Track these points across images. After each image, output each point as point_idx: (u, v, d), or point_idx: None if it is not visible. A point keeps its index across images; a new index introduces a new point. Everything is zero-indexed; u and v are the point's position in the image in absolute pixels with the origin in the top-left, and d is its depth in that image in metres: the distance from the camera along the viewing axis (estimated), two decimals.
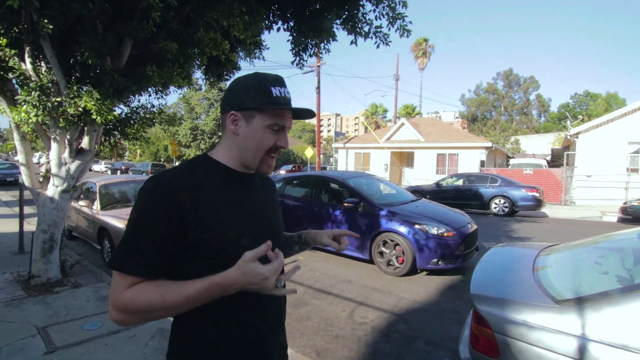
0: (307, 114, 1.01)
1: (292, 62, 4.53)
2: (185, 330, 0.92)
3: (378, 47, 4.10)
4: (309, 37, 3.97)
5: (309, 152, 21.16)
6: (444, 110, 60.13)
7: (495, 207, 11.31)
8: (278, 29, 4.25)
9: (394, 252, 4.99)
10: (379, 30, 3.97)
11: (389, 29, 3.93)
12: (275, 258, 0.84)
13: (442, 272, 5.02)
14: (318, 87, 14.94)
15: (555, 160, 22.30)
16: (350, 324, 3.56)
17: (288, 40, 4.33)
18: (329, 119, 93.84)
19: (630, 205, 10.05)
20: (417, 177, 20.36)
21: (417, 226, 4.83)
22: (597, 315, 1.69)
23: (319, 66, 14.26)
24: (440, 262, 4.76)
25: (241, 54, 5.27)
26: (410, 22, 3.92)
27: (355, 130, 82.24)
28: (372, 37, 3.98)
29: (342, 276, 4.98)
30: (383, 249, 5.11)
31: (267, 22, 4.21)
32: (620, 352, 1.57)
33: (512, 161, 21.73)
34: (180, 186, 0.87)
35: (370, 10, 3.98)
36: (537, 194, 10.92)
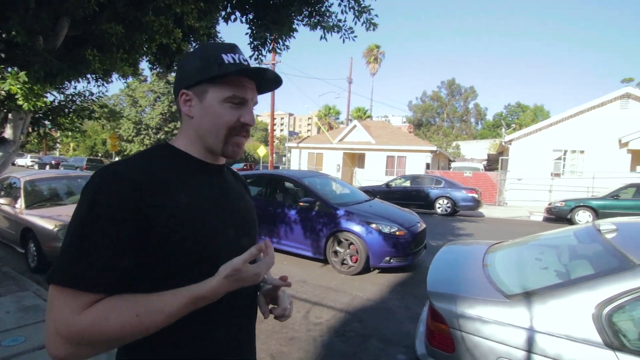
0: (271, 80, 0.87)
1: (250, 57, 4.37)
2: (139, 349, 0.75)
3: (344, 41, 4.07)
4: (271, 30, 3.84)
5: (261, 151, 20.79)
6: (393, 114, 62.74)
7: (439, 207, 11.99)
8: (235, 20, 4.07)
9: (348, 251, 5.04)
10: (342, 23, 3.93)
11: (355, 23, 3.90)
12: (266, 251, 0.78)
13: (392, 270, 5.17)
14: None
15: (491, 164, 24.29)
16: (305, 325, 3.51)
17: (246, 34, 4.17)
18: (282, 119, 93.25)
19: (554, 206, 11.23)
20: (367, 177, 20.93)
21: (371, 225, 4.93)
22: (543, 308, 1.82)
23: (274, 64, 14.01)
24: (392, 260, 4.90)
25: (193, 44, 4.99)
26: (377, 16, 3.89)
27: (308, 130, 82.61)
28: (337, 32, 3.95)
29: (297, 276, 4.92)
30: (338, 248, 5.14)
31: (224, 12, 4.01)
32: (564, 341, 1.70)
33: (453, 164, 23.28)
34: (142, 176, 0.73)
35: (334, 3, 3.90)
36: (476, 195, 11.77)
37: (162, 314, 0.67)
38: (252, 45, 4.33)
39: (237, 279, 0.72)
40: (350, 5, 3.79)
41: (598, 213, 10.14)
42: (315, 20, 3.84)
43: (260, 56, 4.42)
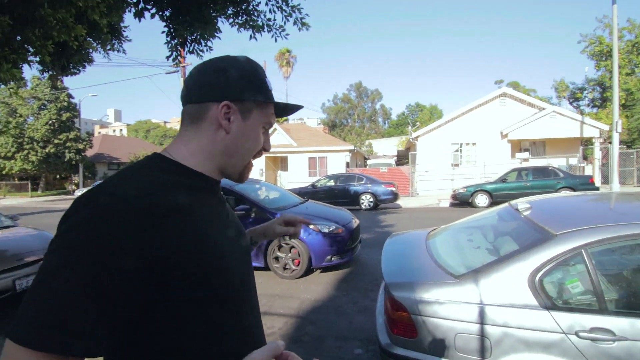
0: (293, 109, 0.90)
1: (168, 57, 4.02)
2: None
3: (276, 40, 3.97)
4: (193, 29, 3.57)
5: None
6: (308, 117, 64.22)
7: (363, 203, 12.66)
8: (153, 16, 3.69)
9: (289, 255, 5.00)
10: (272, 22, 3.83)
11: (285, 23, 3.83)
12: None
13: (333, 268, 5.29)
14: None
15: (401, 159, 26.54)
16: None
17: (163, 32, 3.82)
18: None
19: (457, 192, 12.76)
20: (291, 180, 21.05)
21: (310, 227, 4.96)
22: (488, 283, 2.04)
23: (184, 66, 13.12)
24: (333, 259, 5.00)
25: (95, 43, 4.39)
26: (307, 15, 3.83)
27: None
28: (267, 31, 3.83)
29: None
30: (278, 253, 5.06)
31: (136, 8, 3.61)
32: (509, 309, 1.93)
33: (369, 162, 24.84)
34: (157, 205, 0.60)
35: (262, 2, 3.77)
36: (394, 189, 12.74)
37: None
38: (170, 44, 3.99)
39: None
40: (277, 5, 3.71)
41: (492, 195, 11.84)
42: (242, 20, 3.70)
43: (179, 57, 4.09)
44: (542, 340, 1.85)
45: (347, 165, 21.26)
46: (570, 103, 31.40)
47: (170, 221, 0.60)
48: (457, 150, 18.18)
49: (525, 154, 17.03)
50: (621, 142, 14.65)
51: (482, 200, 12.03)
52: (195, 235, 0.63)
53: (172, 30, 3.76)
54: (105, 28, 4.03)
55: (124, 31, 4.83)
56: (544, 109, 17.07)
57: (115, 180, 0.63)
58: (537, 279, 1.94)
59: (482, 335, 1.95)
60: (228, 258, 0.69)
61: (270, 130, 0.88)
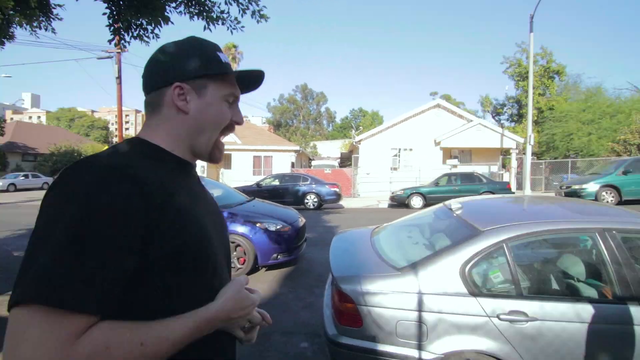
0: (257, 80, 0.86)
1: (110, 41, 3.73)
2: None
3: (232, 33, 3.86)
4: (140, 14, 3.36)
5: None
6: (253, 115, 63.07)
7: (307, 202, 12.82)
8: None
9: (235, 253, 4.91)
10: (226, 14, 3.72)
11: (242, 15, 3.74)
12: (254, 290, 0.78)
13: (279, 266, 5.31)
14: (119, 77, 12.62)
15: (344, 161, 27.32)
16: None
17: (104, 14, 3.54)
18: (127, 116, 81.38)
19: (395, 194, 13.53)
20: (235, 178, 20.51)
21: (257, 225, 4.94)
22: (426, 274, 2.25)
23: (119, 52, 12.06)
24: (279, 257, 5.03)
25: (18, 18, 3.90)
26: (265, 7, 3.77)
27: None
28: (222, 23, 3.72)
29: None
30: None
31: None
32: (443, 297, 2.15)
33: (313, 163, 25.20)
34: (143, 172, 0.64)
35: None
36: (338, 190, 13.11)
37: (167, 342, 0.60)
38: (112, 28, 3.71)
39: (240, 298, 0.72)
40: None
41: (426, 197, 12.77)
42: (195, 10, 3.57)
43: (122, 41, 3.82)
44: (470, 323, 2.10)
45: (293, 165, 21.33)
46: (493, 117, 35.05)
47: (158, 196, 0.63)
48: (396, 155, 19.26)
49: (455, 161, 18.63)
50: (533, 154, 16.72)
51: (417, 202, 12.91)
52: (172, 205, 0.66)
53: (114, 12, 3.50)
54: (33, 2, 3.61)
55: (54, 8, 4.37)
56: (471, 121, 18.83)
57: (103, 155, 0.65)
58: (466, 269, 2.20)
59: (420, 321, 2.15)
60: (204, 230, 0.72)
61: None
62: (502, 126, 26.60)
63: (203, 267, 0.70)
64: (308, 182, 13.24)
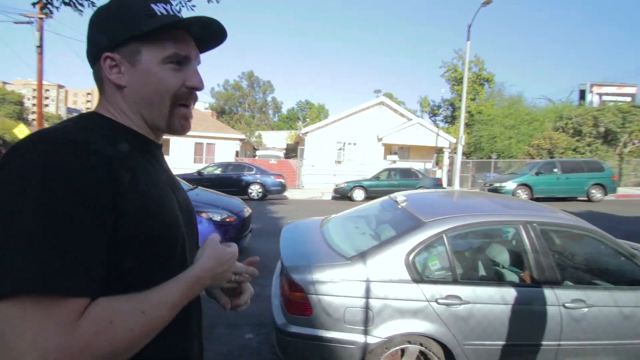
0: (214, 34, 0.73)
1: (34, 4, 3.23)
2: None
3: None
4: None
5: (21, 131, 15.46)
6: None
7: (251, 193, 12.58)
8: None
9: None
10: None
11: None
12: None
13: None
14: (40, 46, 10.95)
15: (289, 153, 27.23)
16: None
17: None
18: (48, 91, 71.93)
19: (339, 187, 13.87)
20: (174, 165, 19.29)
21: (202, 215, 4.73)
22: (373, 262, 2.35)
23: (41, 18, 10.43)
24: None
25: None
26: None
27: (88, 108, 67.38)
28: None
29: None
30: None
31: None
32: (389, 284, 2.27)
33: (258, 153, 24.74)
34: (105, 147, 0.58)
35: None
36: (283, 181, 13.05)
37: (166, 305, 0.58)
38: None
39: (218, 254, 0.71)
40: None
41: (367, 190, 13.28)
42: None
43: (49, 6, 3.35)
44: (412, 308, 2.24)
45: (237, 154, 20.72)
46: (430, 117, 37.43)
47: (117, 166, 0.57)
48: (340, 149, 19.69)
49: (395, 157, 19.61)
50: (462, 154, 18.20)
51: (359, 194, 13.37)
52: (136, 183, 0.61)
53: None
54: None
55: None
56: (411, 119, 19.92)
57: (58, 128, 0.58)
58: (410, 258, 2.34)
59: (367, 307, 2.25)
60: (170, 212, 0.67)
61: None
62: (437, 126, 28.51)
63: (172, 251, 0.66)
64: (253, 172, 12.98)
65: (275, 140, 38.80)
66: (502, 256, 2.60)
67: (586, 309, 2.28)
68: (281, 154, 24.49)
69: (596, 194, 13.00)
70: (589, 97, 26.30)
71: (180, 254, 0.68)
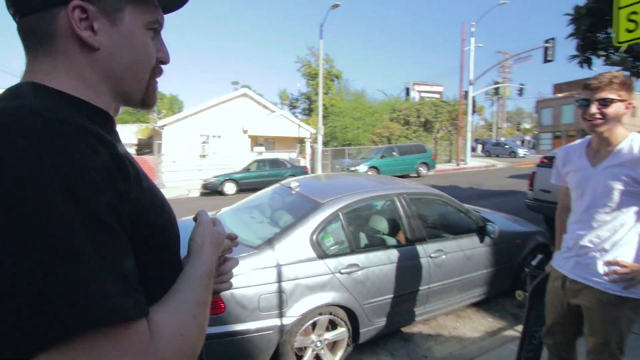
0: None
1: None
2: None
3: None
4: None
5: None
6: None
7: None
8: None
9: None
10: None
11: None
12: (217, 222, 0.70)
13: None
14: None
15: (142, 148, 24.11)
16: None
17: None
18: None
19: (208, 182, 13.19)
20: None
21: None
22: (281, 247, 2.44)
23: None
24: None
25: None
26: None
27: None
28: None
29: None
30: None
31: None
32: (298, 265, 2.40)
33: None
34: (98, 131, 0.48)
35: None
36: None
37: (205, 306, 0.56)
38: None
39: (212, 234, 0.65)
40: None
41: (239, 183, 13.08)
42: None
43: None
44: (320, 282, 2.43)
45: None
46: (289, 109, 39.13)
47: (118, 152, 0.49)
48: (204, 142, 18.62)
49: (262, 148, 19.81)
50: (322, 143, 19.78)
51: (230, 188, 13.04)
52: (137, 172, 0.53)
53: None
54: None
55: None
56: (274, 111, 20.43)
57: (38, 105, 0.45)
58: (314, 237, 2.52)
59: (280, 291, 2.32)
60: (161, 200, 0.61)
61: None
62: (297, 118, 30.08)
63: (175, 244, 0.61)
64: None
65: (121, 135, 33.39)
66: (384, 224, 3.06)
67: (444, 256, 2.94)
68: (132, 150, 21.45)
69: (423, 170, 16.33)
70: (412, 93, 32.32)
71: (177, 242, 0.63)
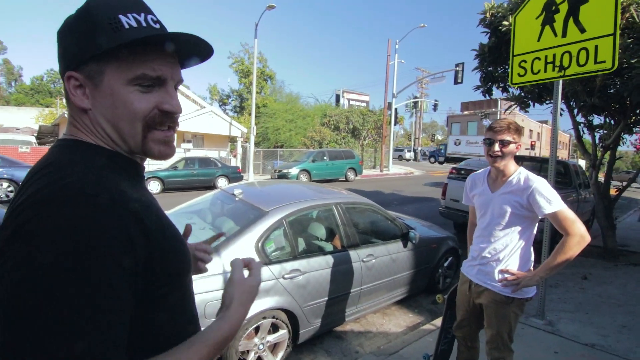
0: (196, 48, 0.67)
1: None
2: None
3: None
4: None
5: None
6: None
7: None
8: None
9: None
10: None
11: None
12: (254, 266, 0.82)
13: None
14: None
15: (44, 137, 21.06)
16: None
17: None
18: None
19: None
20: None
21: None
22: (228, 253, 2.51)
23: None
24: None
25: None
26: None
27: None
28: None
29: None
30: None
31: None
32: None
33: None
34: (131, 196, 0.58)
35: None
36: None
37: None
38: None
39: (244, 300, 0.70)
40: None
41: (164, 182, 12.30)
42: None
43: None
44: (265, 287, 2.56)
45: None
46: (220, 106, 37.73)
47: (148, 216, 0.59)
48: None
49: (189, 145, 18.81)
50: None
51: (155, 186, 12.19)
52: (162, 225, 0.63)
53: None
54: None
55: None
56: (204, 107, 19.58)
57: (73, 176, 0.54)
58: (260, 244, 2.64)
59: None
60: (181, 244, 0.70)
61: None
62: (228, 115, 29.18)
63: (179, 286, 0.68)
64: None
65: (17, 120, 28.67)
66: (323, 231, 3.30)
67: (374, 260, 3.28)
68: (32, 138, 18.58)
69: (351, 175, 17.19)
70: (342, 100, 33.68)
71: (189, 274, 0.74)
